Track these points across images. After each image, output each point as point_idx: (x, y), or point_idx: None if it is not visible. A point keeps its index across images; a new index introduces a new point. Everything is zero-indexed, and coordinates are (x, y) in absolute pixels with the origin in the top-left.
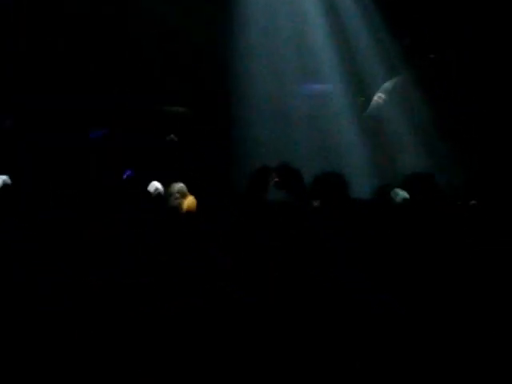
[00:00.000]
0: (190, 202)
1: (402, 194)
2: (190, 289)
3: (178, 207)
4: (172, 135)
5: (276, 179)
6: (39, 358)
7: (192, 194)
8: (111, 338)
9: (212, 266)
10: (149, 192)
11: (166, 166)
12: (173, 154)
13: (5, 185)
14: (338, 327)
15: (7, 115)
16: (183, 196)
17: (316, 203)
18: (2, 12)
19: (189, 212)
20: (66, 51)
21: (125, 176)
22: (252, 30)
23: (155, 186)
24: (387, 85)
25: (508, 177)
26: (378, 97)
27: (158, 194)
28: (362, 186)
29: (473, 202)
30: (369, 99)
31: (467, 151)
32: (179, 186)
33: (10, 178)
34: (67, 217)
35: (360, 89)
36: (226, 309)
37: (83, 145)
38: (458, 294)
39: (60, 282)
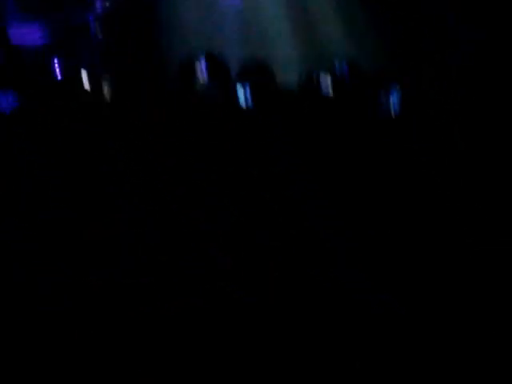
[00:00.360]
0: None
1: (328, 79)
2: (190, 289)
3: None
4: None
5: (202, 72)
6: (39, 358)
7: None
8: (111, 338)
9: (212, 266)
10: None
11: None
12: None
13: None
14: (337, 327)
15: None
16: None
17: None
18: None
19: None
20: None
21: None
22: None
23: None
24: None
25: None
26: None
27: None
28: (291, 74)
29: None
30: None
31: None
32: None
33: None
34: (67, 217)
35: None
36: (225, 309)
37: None
38: (458, 293)
39: (60, 282)
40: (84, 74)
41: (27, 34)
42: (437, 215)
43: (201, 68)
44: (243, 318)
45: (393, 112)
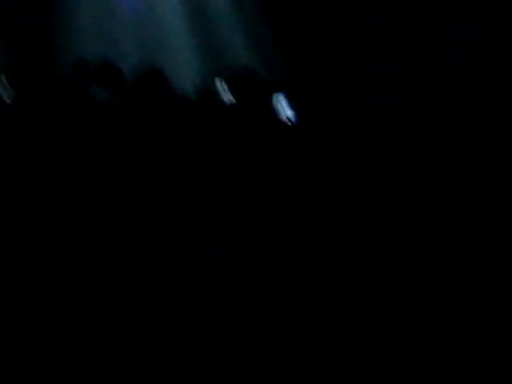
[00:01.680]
0: None
1: (224, 85)
2: (190, 289)
3: None
4: None
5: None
6: (39, 357)
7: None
8: (111, 337)
9: (212, 266)
10: None
11: None
12: None
13: None
14: (337, 327)
15: None
16: None
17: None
18: None
19: None
20: None
21: None
22: None
23: None
24: None
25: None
26: None
27: None
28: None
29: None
30: None
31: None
32: None
33: None
34: (67, 217)
35: None
36: (225, 309)
37: None
38: (458, 293)
39: (60, 281)
40: None
41: None
42: (436, 215)
43: (95, 71)
44: (243, 317)
45: (287, 118)
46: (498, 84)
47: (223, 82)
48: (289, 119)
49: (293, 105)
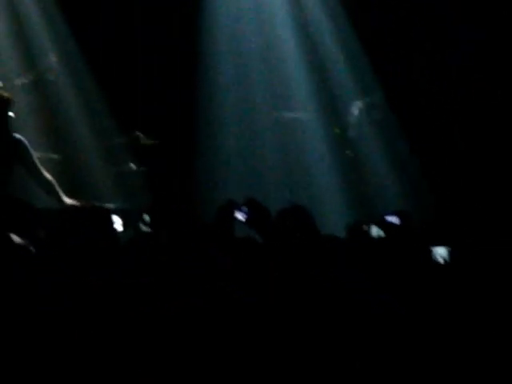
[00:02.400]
0: None
1: (378, 231)
2: (190, 289)
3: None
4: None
5: (242, 215)
6: (39, 357)
7: (157, 223)
8: (111, 337)
9: (212, 265)
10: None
11: (130, 196)
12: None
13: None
14: (337, 327)
15: None
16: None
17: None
18: None
19: None
20: None
21: None
22: (221, 55)
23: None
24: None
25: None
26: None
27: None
28: (333, 221)
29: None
30: (344, 130)
31: (439, 175)
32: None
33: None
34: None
35: (334, 119)
36: (226, 309)
37: None
38: (457, 294)
39: (60, 281)
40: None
41: None
42: (435, 214)
43: (242, 213)
44: (243, 317)
45: (441, 262)
46: (498, 84)
47: (374, 227)
48: (444, 259)
49: (445, 248)
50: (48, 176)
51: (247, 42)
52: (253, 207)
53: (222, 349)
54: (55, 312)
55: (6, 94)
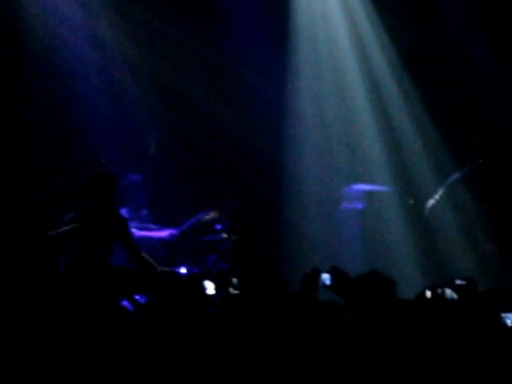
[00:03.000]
0: None
1: (451, 294)
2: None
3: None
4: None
5: (327, 281)
6: (39, 357)
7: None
8: (111, 338)
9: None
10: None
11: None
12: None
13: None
14: (338, 327)
15: None
16: None
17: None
18: None
19: None
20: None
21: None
22: (305, 133)
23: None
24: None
25: None
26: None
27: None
28: (409, 286)
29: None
30: (418, 202)
31: None
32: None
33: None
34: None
35: (409, 191)
36: (225, 309)
37: None
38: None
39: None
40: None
41: None
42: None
43: (323, 278)
44: (243, 317)
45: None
46: (498, 84)
47: (448, 289)
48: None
49: None
50: (144, 256)
51: (329, 109)
52: (336, 274)
53: (222, 348)
54: (55, 312)
55: (112, 173)
